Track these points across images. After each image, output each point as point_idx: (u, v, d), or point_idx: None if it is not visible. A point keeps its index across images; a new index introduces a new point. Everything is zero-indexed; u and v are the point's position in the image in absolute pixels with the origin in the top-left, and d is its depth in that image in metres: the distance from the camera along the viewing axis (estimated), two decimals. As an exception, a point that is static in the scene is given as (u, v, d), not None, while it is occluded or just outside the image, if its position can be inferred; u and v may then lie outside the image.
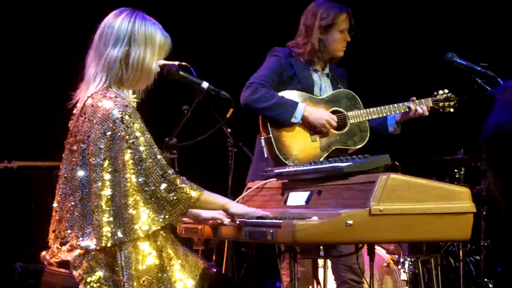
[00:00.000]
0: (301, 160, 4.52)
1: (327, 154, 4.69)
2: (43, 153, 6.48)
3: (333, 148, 4.73)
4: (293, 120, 4.64)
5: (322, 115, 4.69)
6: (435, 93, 4.99)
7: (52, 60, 6.98)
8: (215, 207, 3.58)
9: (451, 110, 5.00)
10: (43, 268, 3.56)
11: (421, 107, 4.87)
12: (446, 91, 5.00)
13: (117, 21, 3.48)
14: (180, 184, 3.34)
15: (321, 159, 4.55)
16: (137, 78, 3.48)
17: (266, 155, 4.66)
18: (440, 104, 4.98)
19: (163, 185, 3.31)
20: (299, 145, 4.66)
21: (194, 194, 3.37)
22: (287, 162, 4.56)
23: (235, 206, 3.61)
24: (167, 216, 3.32)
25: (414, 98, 4.91)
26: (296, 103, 4.65)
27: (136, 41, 3.45)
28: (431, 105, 4.94)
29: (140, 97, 3.60)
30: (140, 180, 3.29)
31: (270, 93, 4.62)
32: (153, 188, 3.29)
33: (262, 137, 4.68)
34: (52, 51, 7.00)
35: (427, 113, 4.91)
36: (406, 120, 4.95)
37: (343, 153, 4.72)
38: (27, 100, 7.02)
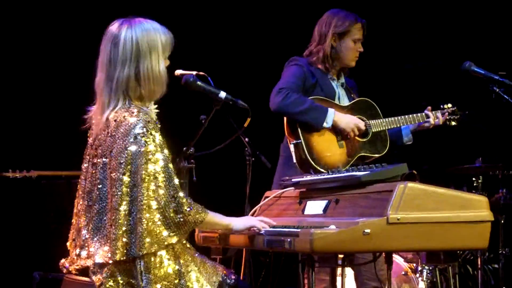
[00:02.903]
0: (330, 166, 4.53)
1: (353, 160, 4.73)
2: (62, 162, 6.51)
3: (359, 155, 4.76)
4: (325, 124, 4.66)
5: (351, 120, 4.72)
6: (441, 106, 5.05)
7: (71, 70, 7.02)
8: (219, 227, 3.63)
9: (455, 123, 5.07)
10: (62, 277, 3.58)
11: (438, 115, 4.95)
12: (450, 105, 5.07)
13: (120, 40, 3.45)
14: (187, 208, 3.37)
15: (347, 166, 4.60)
16: (152, 88, 3.48)
17: (294, 161, 4.66)
18: (446, 117, 5.05)
19: (172, 205, 3.34)
20: (328, 150, 4.68)
21: (198, 217, 3.41)
22: (317, 167, 4.56)
23: (238, 224, 3.63)
24: (171, 234, 3.35)
25: (430, 107, 4.96)
26: (326, 108, 4.68)
27: (142, 55, 3.44)
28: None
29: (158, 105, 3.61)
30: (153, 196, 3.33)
31: (302, 98, 4.65)
32: (163, 206, 3.32)
33: (291, 143, 4.68)
34: (71, 61, 7.05)
35: (441, 122, 5.01)
36: (420, 130, 5.01)
37: (367, 160, 4.77)
38: (46, 110, 7.06)
